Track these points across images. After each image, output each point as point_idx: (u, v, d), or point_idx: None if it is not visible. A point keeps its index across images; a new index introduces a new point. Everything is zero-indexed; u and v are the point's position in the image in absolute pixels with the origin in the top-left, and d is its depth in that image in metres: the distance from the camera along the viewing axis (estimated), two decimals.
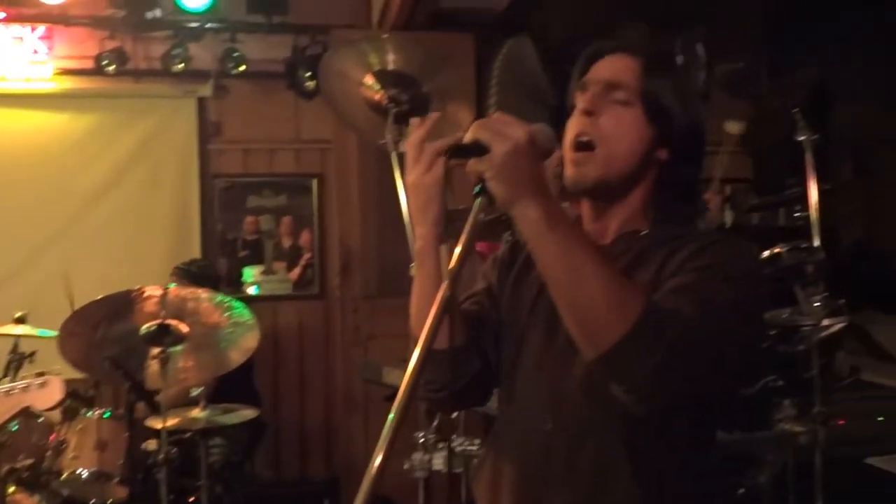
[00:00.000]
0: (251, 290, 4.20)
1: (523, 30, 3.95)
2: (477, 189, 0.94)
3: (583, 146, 1.12)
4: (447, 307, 0.85)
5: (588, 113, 1.12)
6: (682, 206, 1.18)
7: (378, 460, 0.80)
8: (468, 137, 0.94)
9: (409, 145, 1.09)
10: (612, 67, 1.15)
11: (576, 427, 1.09)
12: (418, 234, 1.10)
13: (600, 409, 1.05)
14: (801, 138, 2.49)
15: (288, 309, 4.23)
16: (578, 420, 1.09)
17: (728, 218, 4.29)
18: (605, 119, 1.12)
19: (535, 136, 0.95)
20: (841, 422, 2.76)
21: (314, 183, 4.20)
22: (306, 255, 4.21)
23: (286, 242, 4.22)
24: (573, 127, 1.14)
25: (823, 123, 4.02)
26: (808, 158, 2.47)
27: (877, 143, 4.73)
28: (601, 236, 1.17)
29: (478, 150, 0.92)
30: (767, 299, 1.13)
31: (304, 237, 4.21)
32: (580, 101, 1.14)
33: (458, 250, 0.90)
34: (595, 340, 0.94)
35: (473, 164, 0.94)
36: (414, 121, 1.13)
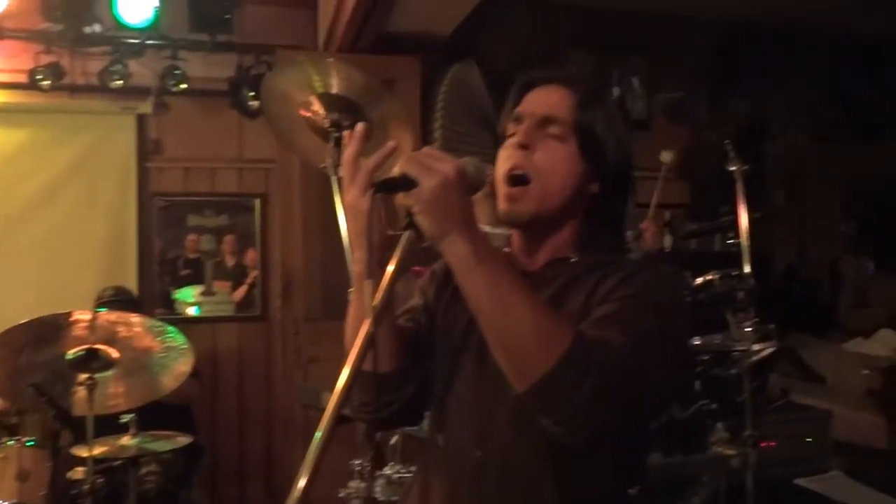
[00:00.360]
0: (191, 311, 4.11)
1: (470, 54, 4.01)
2: (405, 222, 0.95)
3: (518, 180, 1.12)
4: (370, 343, 0.85)
5: (523, 147, 1.12)
6: (611, 237, 1.20)
7: (302, 482, 0.80)
8: (397, 171, 0.94)
9: (343, 163, 1.08)
10: (547, 101, 1.16)
11: (505, 455, 1.10)
12: (356, 258, 1.08)
13: (529, 439, 1.06)
14: (733, 168, 2.58)
15: (228, 331, 4.15)
16: (507, 448, 1.10)
17: (667, 243, 4.40)
18: (540, 154, 1.12)
19: (463, 171, 0.95)
20: (772, 443, 2.84)
21: (257, 203, 4.15)
22: (252, 274, 4.15)
23: (230, 261, 4.14)
24: (507, 159, 1.14)
25: (757, 154, 4.19)
26: (739, 188, 2.56)
27: (806, 174, 4.94)
28: (531, 264, 1.19)
29: (406, 183, 0.92)
30: (691, 326, 1.15)
31: (250, 256, 4.15)
32: (515, 134, 1.15)
33: (383, 284, 0.91)
34: (523, 374, 0.94)
35: (402, 199, 0.94)
36: (346, 134, 1.12)
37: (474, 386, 1.14)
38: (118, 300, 3.32)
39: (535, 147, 1.12)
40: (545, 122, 1.13)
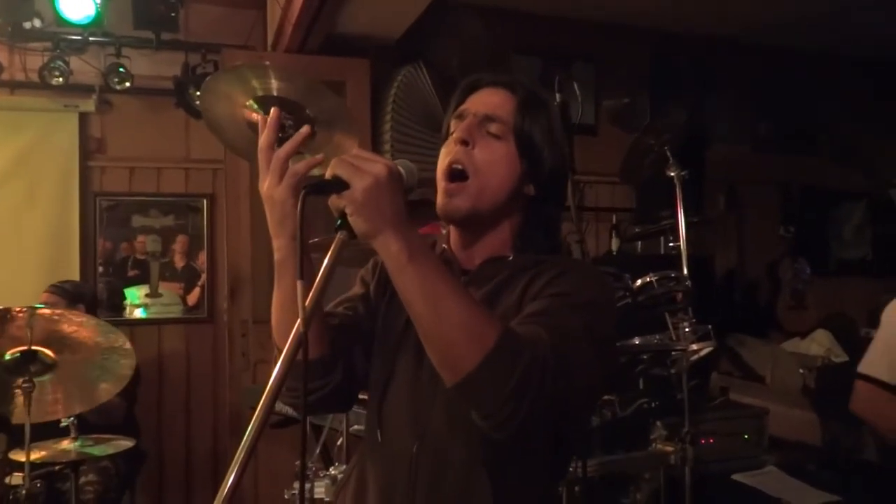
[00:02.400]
0: (138, 313, 4.04)
1: (419, 58, 4.04)
2: (337, 223, 0.95)
3: (456, 175, 1.15)
4: (301, 344, 0.86)
5: (463, 142, 1.15)
6: (547, 238, 1.23)
7: (231, 479, 0.81)
8: (328, 173, 0.94)
9: (258, 151, 1.09)
10: (489, 101, 1.19)
11: (441, 449, 1.12)
12: (276, 246, 1.10)
13: (464, 434, 1.08)
14: (672, 174, 2.66)
15: (175, 333, 4.08)
16: (443, 443, 1.12)
17: (614, 245, 4.50)
18: (479, 150, 1.15)
19: (394, 171, 0.96)
20: (710, 440, 2.93)
21: (204, 203, 4.10)
22: (204, 276, 4.10)
23: (179, 263, 4.08)
24: (447, 154, 1.17)
25: (697, 160, 4.31)
26: (678, 193, 2.64)
27: (746, 180, 5.10)
28: (468, 262, 1.21)
29: (338, 185, 0.93)
30: (619, 325, 1.19)
31: (202, 258, 4.10)
32: (456, 130, 1.18)
33: (316, 285, 0.92)
34: (452, 368, 0.96)
35: (334, 200, 0.95)
36: (260, 121, 1.11)
37: (412, 381, 1.16)
38: (60, 287, 3.27)
39: (475, 143, 1.15)
40: (486, 119, 1.16)
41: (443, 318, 0.95)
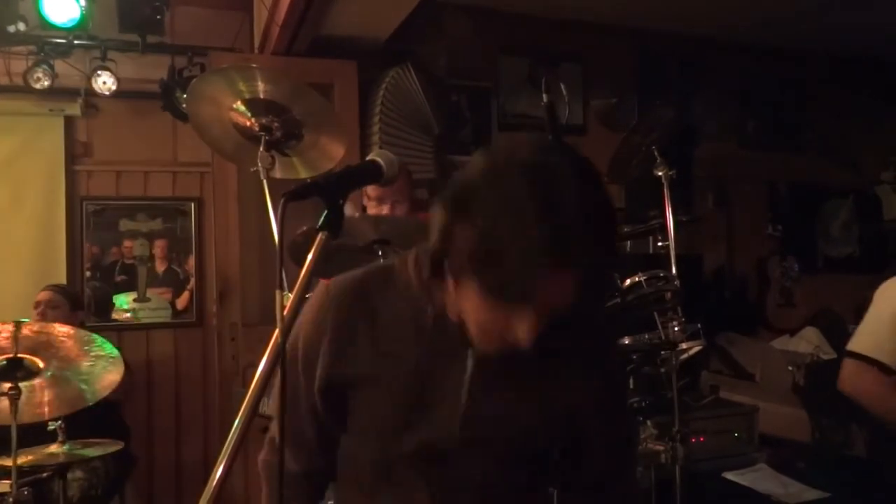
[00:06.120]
0: (126, 318, 4.01)
1: (406, 59, 4.03)
2: (320, 223, 0.94)
3: None
4: (280, 354, 0.86)
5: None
6: None
7: (219, 472, 0.80)
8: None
9: None
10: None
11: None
12: None
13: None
14: (659, 173, 2.66)
15: (164, 337, 4.06)
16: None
17: None
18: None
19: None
20: (701, 438, 2.93)
21: (192, 207, 4.08)
22: (192, 280, 4.08)
23: (161, 267, 4.06)
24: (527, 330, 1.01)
25: (686, 159, 4.32)
26: (666, 192, 2.64)
27: (734, 179, 5.12)
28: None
29: (317, 190, 0.93)
30: None
31: (191, 262, 4.08)
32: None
33: (296, 290, 0.91)
34: None
35: None
36: None
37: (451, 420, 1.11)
38: (62, 288, 3.29)
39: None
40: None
41: None
